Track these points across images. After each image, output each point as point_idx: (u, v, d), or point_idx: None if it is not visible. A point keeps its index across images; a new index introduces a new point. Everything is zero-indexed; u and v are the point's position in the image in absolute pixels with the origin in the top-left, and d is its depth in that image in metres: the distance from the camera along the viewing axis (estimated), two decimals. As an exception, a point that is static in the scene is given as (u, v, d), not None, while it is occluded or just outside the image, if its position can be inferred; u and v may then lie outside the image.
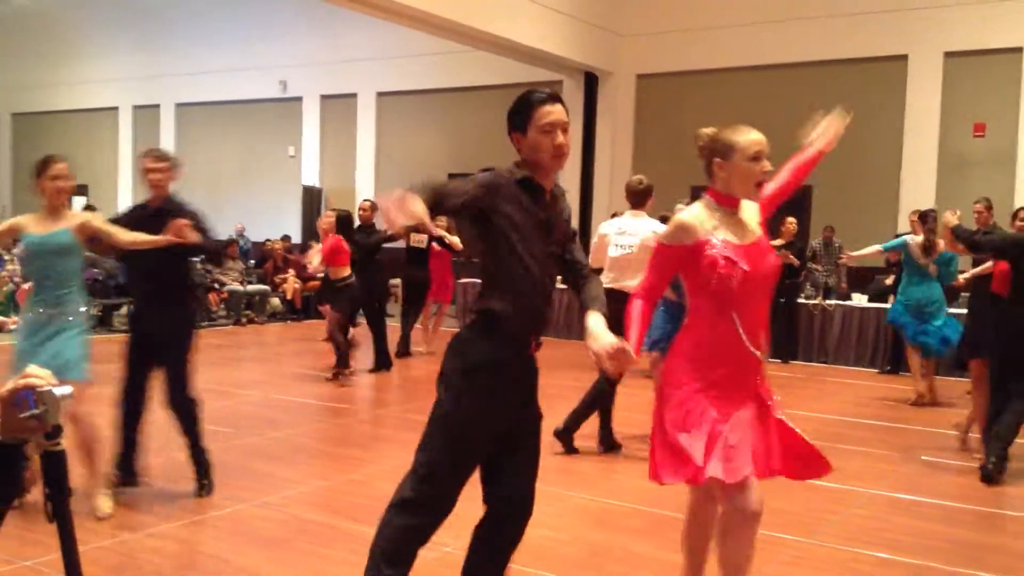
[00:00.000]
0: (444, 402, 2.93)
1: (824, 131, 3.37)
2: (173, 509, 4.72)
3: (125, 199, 21.12)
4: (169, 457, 5.91)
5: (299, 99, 18.96)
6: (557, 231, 2.98)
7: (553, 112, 2.90)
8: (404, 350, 10.59)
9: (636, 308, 3.04)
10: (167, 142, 20.82)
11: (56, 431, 1.60)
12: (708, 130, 3.13)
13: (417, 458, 3.02)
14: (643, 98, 15.34)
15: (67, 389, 1.60)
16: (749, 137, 3.02)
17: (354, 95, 18.28)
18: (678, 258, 3.04)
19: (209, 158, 19.86)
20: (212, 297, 13.81)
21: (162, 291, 4.92)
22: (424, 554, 4.22)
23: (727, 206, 3.07)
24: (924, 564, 4.26)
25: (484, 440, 2.96)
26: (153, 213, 4.87)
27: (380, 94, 18.03)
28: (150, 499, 4.92)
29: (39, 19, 22.20)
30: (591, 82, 15.33)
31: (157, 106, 20.85)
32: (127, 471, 4.97)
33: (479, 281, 2.98)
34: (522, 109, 2.96)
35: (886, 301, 10.50)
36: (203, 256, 4.54)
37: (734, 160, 3.00)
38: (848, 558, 4.33)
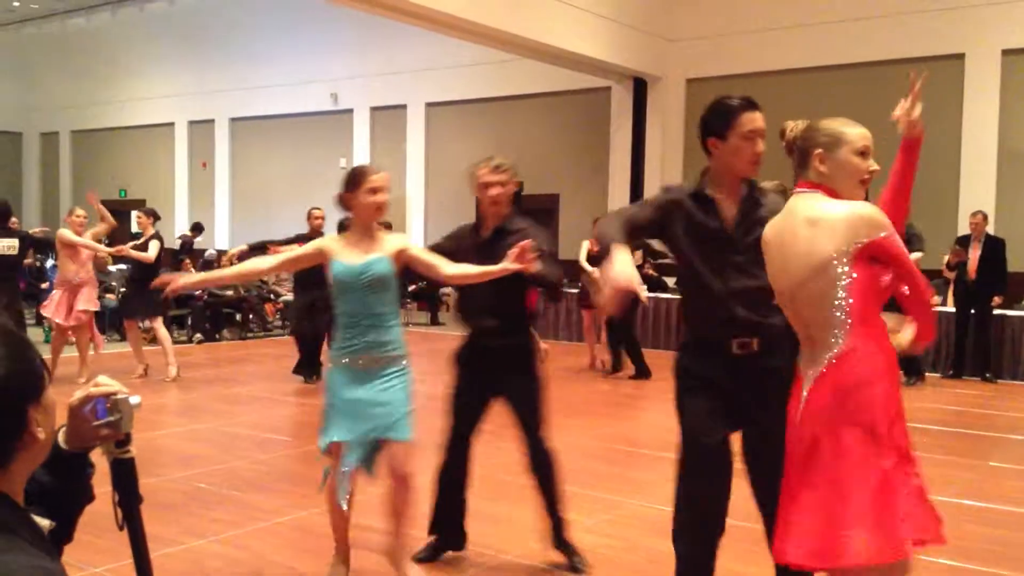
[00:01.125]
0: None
1: (901, 118, 3.04)
2: (235, 516, 4.78)
3: (182, 214, 21.55)
4: (229, 466, 6.01)
5: (350, 111, 19.18)
6: (749, 237, 2.92)
7: (756, 119, 2.97)
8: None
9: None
10: (222, 156, 21.22)
11: (127, 439, 1.61)
12: (797, 122, 2.94)
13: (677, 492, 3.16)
14: (693, 103, 15.22)
15: (137, 398, 1.61)
16: (857, 130, 2.78)
17: (404, 106, 18.45)
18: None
19: (263, 171, 20.20)
20: (268, 308, 14.01)
21: (505, 325, 4.02)
22: (485, 560, 4.23)
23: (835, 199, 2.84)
24: (994, 571, 4.16)
25: (716, 456, 3.05)
26: (491, 238, 3.99)
27: (429, 104, 18.17)
28: (211, 507, 5.00)
29: (95, 38, 22.81)
30: (640, 88, 15.26)
31: (212, 121, 21.25)
32: (454, 533, 4.31)
33: None
34: (723, 114, 2.97)
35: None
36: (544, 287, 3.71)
37: (840, 153, 2.74)
38: (917, 565, 4.24)
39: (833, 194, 2.71)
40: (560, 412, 7.79)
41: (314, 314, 8.69)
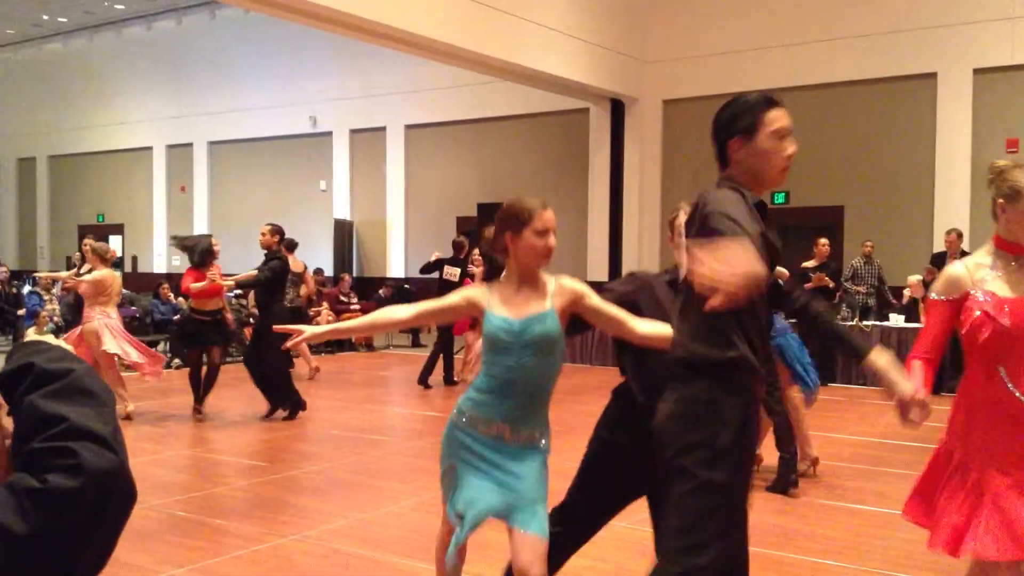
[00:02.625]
0: (715, 476, 2.42)
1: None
2: (213, 544, 4.73)
3: (160, 238, 21.45)
4: (208, 492, 5.96)
5: (329, 134, 19.20)
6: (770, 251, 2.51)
7: (785, 118, 2.66)
8: (449, 379, 10.89)
9: (916, 369, 2.83)
10: (200, 180, 21.16)
11: None
12: (1002, 162, 2.83)
13: (692, 558, 2.41)
14: (670, 123, 15.36)
15: None
16: None
17: (383, 128, 18.48)
18: (949, 313, 2.83)
19: (242, 194, 20.15)
20: (248, 331, 13.92)
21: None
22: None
23: (1009, 252, 2.79)
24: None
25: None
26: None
27: (408, 127, 18.22)
28: (190, 534, 4.94)
29: (72, 63, 22.74)
30: (618, 109, 15.37)
31: (190, 144, 21.20)
32: None
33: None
34: (748, 111, 2.64)
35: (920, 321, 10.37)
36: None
37: (1020, 205, 2.68)
38: (897, 584, 4.25)
39: (1018, 247, 2.78)
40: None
41: (261, 347, 8.21)
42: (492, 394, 2.93)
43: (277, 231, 8.63)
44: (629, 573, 4.41)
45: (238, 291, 12.43)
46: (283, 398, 8.42)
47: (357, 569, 4.41)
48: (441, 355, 10.77)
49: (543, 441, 3.00)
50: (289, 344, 3.04)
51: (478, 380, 3.00)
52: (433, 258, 11.21)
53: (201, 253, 8.29)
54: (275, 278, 8.41)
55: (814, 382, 5.94)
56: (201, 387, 8.37)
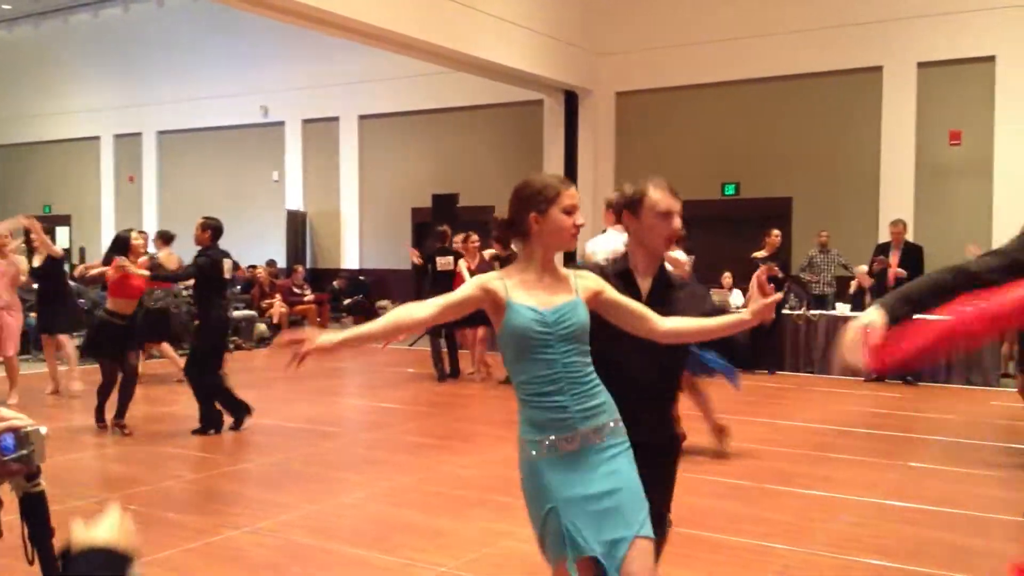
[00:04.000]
0: None
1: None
2: (165, 537, 4.71)
3: (108, 229, 21.09)
4: (159, 486, 5.92)
5: (281, 124, 19.02)
6: None
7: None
8: (455, 371, 10.73)
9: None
10: (149, 170, 20.85)
11: (38, 472, 1.52)
12: None
13: None
14: (623, 115, 15.47)
15: (45, 428, 1.51)
16: None
17: (336, 118, 18.35)
18: None
19: (193, 185, 19.87)
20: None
21: (665, 390, 3.06)
22: (421, 574, 4.26)
23: None
24: (916, 569, 4.31)
25: None
26: (655, 288, 2.97)
27: (362, 117, 18.11)
28: (142, 527, 4.91)
29: (17, 51, 22.24)
30: (571, 100, 15.45)
31: (139, 134, 20.86)
32: None
33: None
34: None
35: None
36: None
37: None
38: (840, 565, 4.38)
39: None
40: (495, 423, 7.84)
41: (198, 359, 7.57)
42: (544, 399, 2.58)
43: (208, 226, 7.60)
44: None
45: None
46: (236, 408, 7.63)
47: (308, 559, 4.43)
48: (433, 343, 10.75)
49: (621, 427, 2.67)
50: (300, 353, 2.49)
51: (524, 404, 2.62)
52: (414, 257, 11.11)
53: (115, 243, 7.68)
54: (199, 275, 7.54)
55: (727, 368, 6.12)
56: (120, 398, 7.46)
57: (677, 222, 2.89)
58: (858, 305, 11.53)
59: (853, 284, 11.92)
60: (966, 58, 12.84)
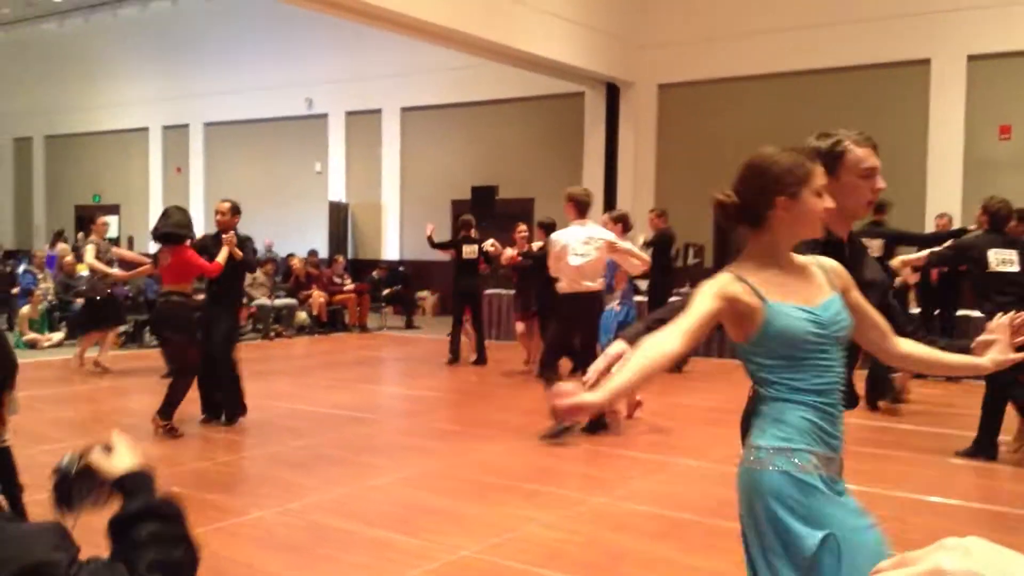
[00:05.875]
0: None
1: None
2: (196, 516, 4.79)
3: (156, 218, 21.48)
4: (191, 467, 6.03)
5: (324, 116, 19.18)
6: None
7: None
8: (455, 358, 10.97)
9: None
10: (196, 161, 21.17)
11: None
12: None
13: None
14: (665, 108, 15.36)
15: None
16: None
17: (378, 111, 18.47)
18: None
19: (237, 175, 20.14)
20: (241, 312, 13.97)
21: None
22: (442, 556, 4.28)
23: None
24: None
25: None
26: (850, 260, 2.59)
27: (404, 109, 18.20)
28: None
29: (68, 44, 22.70)
30: (613, 93, 15.37)
31: (186, 126, 21.18)
32: None
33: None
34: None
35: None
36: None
37: None
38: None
39: None
40: (525, 412, 7.84)
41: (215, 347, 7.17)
42: (814, 412, 2.16)
43: (239, 209, 7.59)
44: (602, 545, 4.47)
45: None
46: (234, 405, 7.28)
47: (333, 540, 4.48)
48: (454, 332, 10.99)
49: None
50: (565, 406, 1.97)
51: (784, 403, 2.17)
52: (429, 231, 11.30)
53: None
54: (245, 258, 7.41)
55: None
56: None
57: (880, 181, 2.56)
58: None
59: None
60: (1017, 51, 12.54)
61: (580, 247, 7.03)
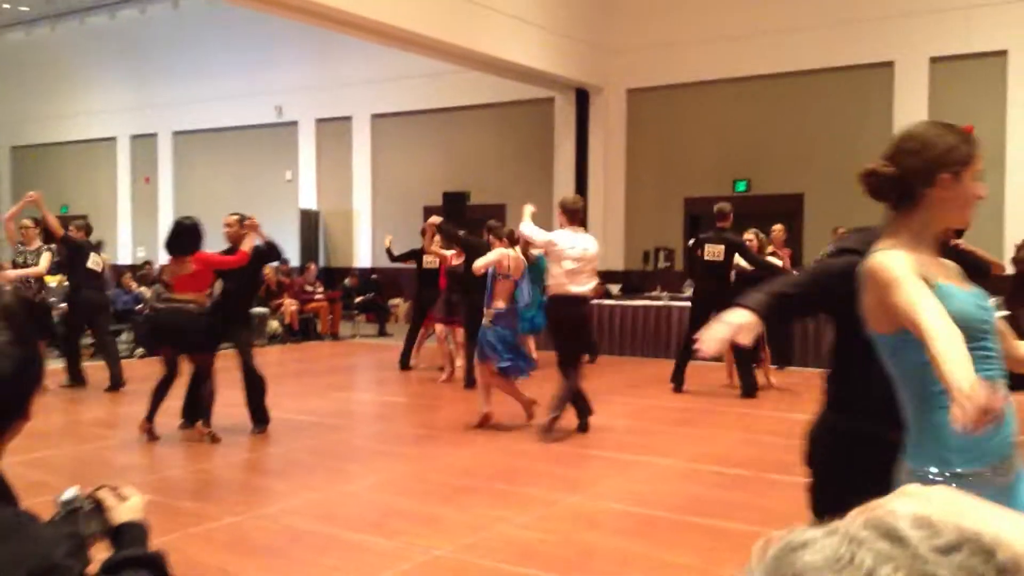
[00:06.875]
0: None
1: None
2: (170, 522, 4.78)
3: (125, 229, 21.31)
4: (166, 474, 6.00)
5: (294, 123, 19.13)
6: None
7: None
8: (405, 364, 10.89)
9: None
10: (165, 170, 21.02)
11: None
12: None
13: None
14: (634, 112, 15.49)
15: None
16: None
17: (349, 118, 18.45)
18: None
19: (207, 184, 20.02)
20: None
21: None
22: (416, 557, 4.31)
23: None
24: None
25: None
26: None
27: (375, 116, 18.19)
28: (147, 512, 4.99)
29: (35, 53, 22.47)
30: (582, 98, 15.47)
31: (154, 135, 21.04)
32: None
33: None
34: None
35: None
36: None
37: None
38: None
39: None
40: (502, 416, 7.87)
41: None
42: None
43: (243, 221, 7.53)
44: (576, 544, 4.51)
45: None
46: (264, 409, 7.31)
47: (308, 543, 4.49)
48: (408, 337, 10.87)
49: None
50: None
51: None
52: (387, 242, 11.30)
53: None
54: (257, 263, 7.49)
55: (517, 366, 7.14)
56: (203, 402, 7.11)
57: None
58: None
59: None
60: (978, 52, 12.78)
61: (574, 257, 7.08)
